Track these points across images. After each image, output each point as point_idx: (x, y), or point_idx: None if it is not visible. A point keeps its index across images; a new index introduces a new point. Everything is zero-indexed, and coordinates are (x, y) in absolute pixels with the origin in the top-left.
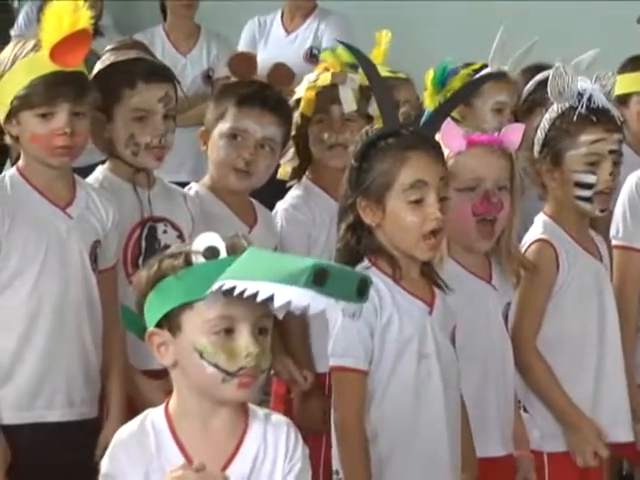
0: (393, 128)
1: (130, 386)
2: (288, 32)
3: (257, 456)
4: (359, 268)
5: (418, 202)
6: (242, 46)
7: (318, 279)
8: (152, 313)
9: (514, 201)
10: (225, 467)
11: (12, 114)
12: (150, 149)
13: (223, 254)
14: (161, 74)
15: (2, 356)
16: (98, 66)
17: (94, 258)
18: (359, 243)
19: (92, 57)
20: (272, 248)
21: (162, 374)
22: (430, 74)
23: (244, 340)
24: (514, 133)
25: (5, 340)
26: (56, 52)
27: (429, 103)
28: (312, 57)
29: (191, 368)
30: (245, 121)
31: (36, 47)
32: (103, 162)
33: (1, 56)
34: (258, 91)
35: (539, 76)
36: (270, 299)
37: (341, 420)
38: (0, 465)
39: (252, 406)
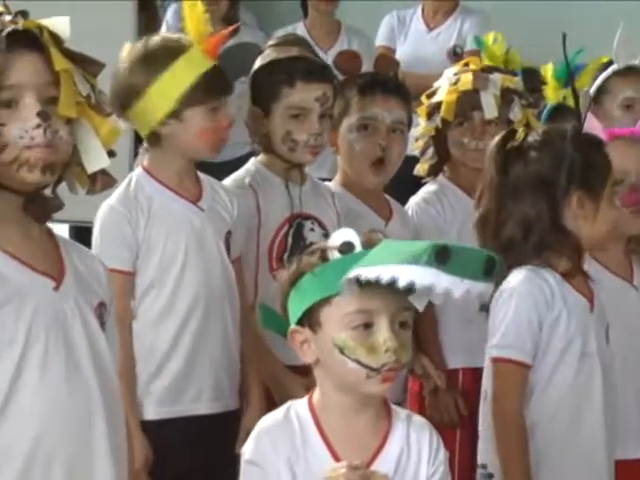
0: None
1: (270, 378)
2: (430, 28)
3: (401, 457)
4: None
5: None
6: (381, 40)
7: (440, 257)
8: (293, 311)
9: None
10: (369, 464)
11: (173, 113)
12: (307, 147)
13: (358, 249)
14: (320, 74)
15: (153, 353)
16: (259, 62)
17: (227, 248)
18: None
19: (252, 50)
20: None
21: (306, 370)
22: (549, 68)
23: (383, 334)
24: None
25: (156, 338)
26: (210, 47)
27: (552, 97)
28: (455, 55)
29: (333, 364)
30: (372, 109)
31: (182, 46)
32: (247, 156)
33: (120, 57)
34: (376, 78)
35: None
36: (394, 281)
37: (502, 412)
38: (141, 462)
39: (394, 406)
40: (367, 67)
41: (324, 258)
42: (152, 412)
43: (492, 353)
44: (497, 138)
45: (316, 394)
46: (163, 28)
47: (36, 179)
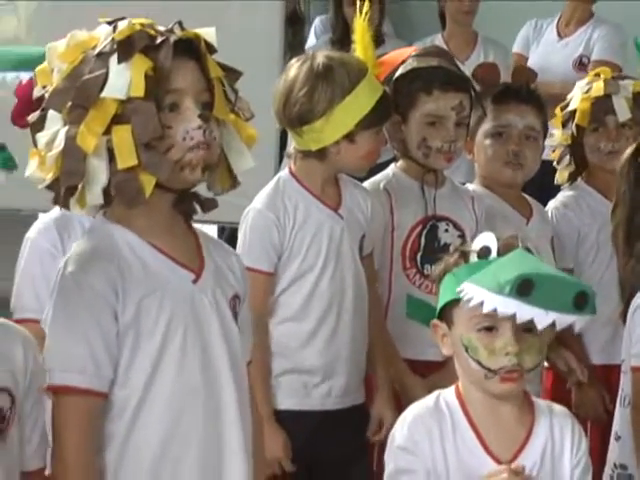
0: None
1: (395, 377)
2: (561, 37)
3: (545, 447)
4: None
5: None
6: (515, 48)
7: (522, 289)
8: (439, 306)
9: None
10: (516, 455)
11: (347, 136)
12: (441, 153)
13: (494, 254)
14: (457, 84)
15: (288, 349)
16: (400, 70)
17: (361, 249)
18: None
19: None
20: (549, 238)
21: (436, 365)
22: None
23: (504, 339)
24: None
25: (291, 335)
26: (382, 72)
27: None
28: (581, 65)
29: (461, 360)
30: (505, 116)
31: (361, 70)
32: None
33: (292, 73)
34: (510, 87)
35: None
36: (480, 305)
37: None
38: (282, 451)
39: (534, 398)
40: (504, 76)
41: (465, 259)
42: (284, 403)
43: (632, 362)
44: (628, 151)
45: (460, 384)
46: (312, 39)
47: (197, 178)
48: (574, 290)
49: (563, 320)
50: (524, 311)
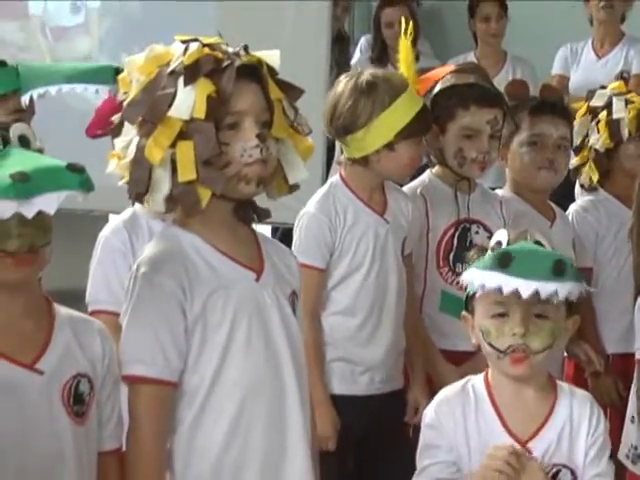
0: None
1: (430, 366)
2: (599, 57)
3: (564, 426)
4: None
5: None
6: (556, 69)
7: (501, 262)
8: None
9: None
10: (535, 433)
11: (387, 145)
12: (475, 163)
13: (504, 246)
14: (492, 100)
15: (338, 340)
16: (439, 85)
17: (402, 250)
18: None
19: None
20: (570, 240)
21: (467, 355)
22: None
23: (512, 322)
24: None
25: (341, 328)
26: (422, 88)
27: None
28: (622, 79)
29: (482, 346)
30: (540, 126)
31: (401, 84)
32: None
33: (339, 89)
34: (545, 101)
35: None
36: (472, 283)
37: None
38: (331, 431)
39: (558, 381)
40: (531, 91)
41: (483, 254)
42: (335, 388)
43: (637, 355)
44: None
45: (489, 369)
46: (357, 55)
47: (252, 191)
48: (551, 259)
49: (545, 288)
50: (508, 282)
